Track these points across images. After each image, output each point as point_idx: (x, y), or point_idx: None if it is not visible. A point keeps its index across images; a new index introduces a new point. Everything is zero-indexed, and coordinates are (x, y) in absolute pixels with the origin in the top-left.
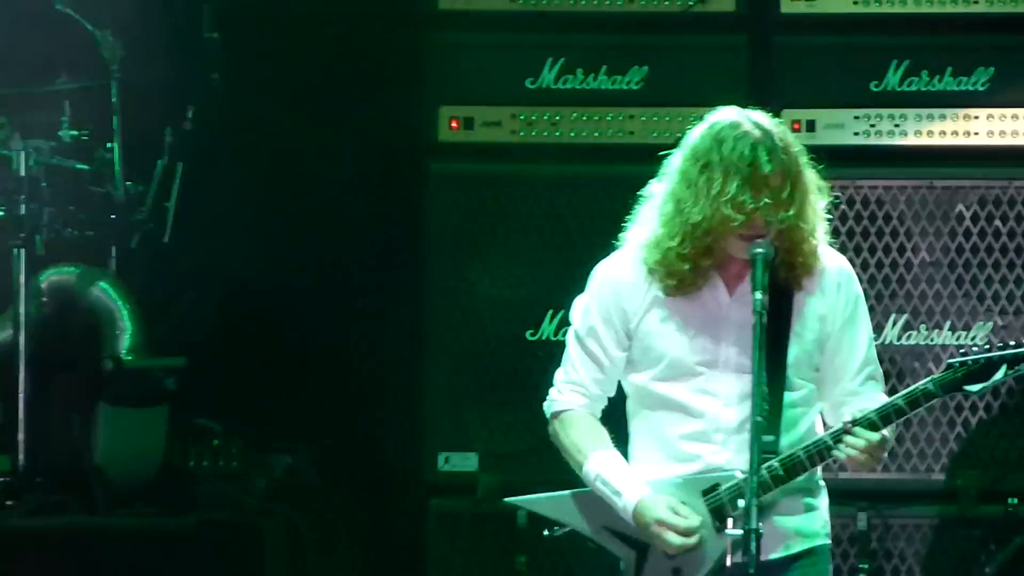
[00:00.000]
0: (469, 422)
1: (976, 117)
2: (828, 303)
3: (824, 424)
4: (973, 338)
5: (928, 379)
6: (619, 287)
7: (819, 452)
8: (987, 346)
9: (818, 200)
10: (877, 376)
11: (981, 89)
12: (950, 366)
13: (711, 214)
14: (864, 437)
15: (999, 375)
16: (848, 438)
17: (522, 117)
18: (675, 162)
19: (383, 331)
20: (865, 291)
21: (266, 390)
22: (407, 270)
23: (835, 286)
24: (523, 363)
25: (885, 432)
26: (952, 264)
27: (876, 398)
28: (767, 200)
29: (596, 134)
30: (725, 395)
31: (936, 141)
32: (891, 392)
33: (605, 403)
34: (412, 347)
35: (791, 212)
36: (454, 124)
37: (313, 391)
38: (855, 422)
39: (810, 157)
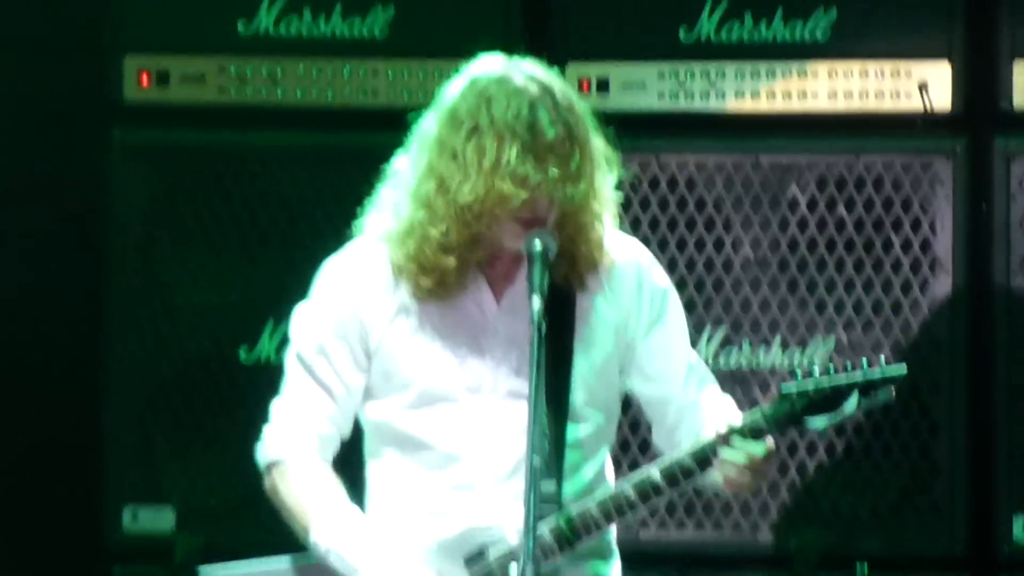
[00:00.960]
0: (163, 468)
1: (814, 74)
2: (624, 306)
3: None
4: (811, 358)
5: (756, 409)
6: (356, 291)
7: (619, 503)
8: (830, 369)
9: (607, 176)
10: (710, 378)
11: (820, 39)
12: (785, 395)
13: (484, 191)
14: (742, 448)
15: (850, 406)
16: (723, 451)
17: (232, 71)
18: (430, 128)
19: (50, 348)
20: None
21: None
22: (82, 269)
23: (632, 282)
24: (234, 391)
25: (769, 444)
26: (783, 263)
27: (726, 401)
28: (554, 171)
29: (328, 94)
30: (492, 431)
31: (763, 106)
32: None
33: (338, 445)
34: (88, 369)
35: (580, 187)
36: (144, 79)
37: None
38: (733, 430)
39: (599, 122)
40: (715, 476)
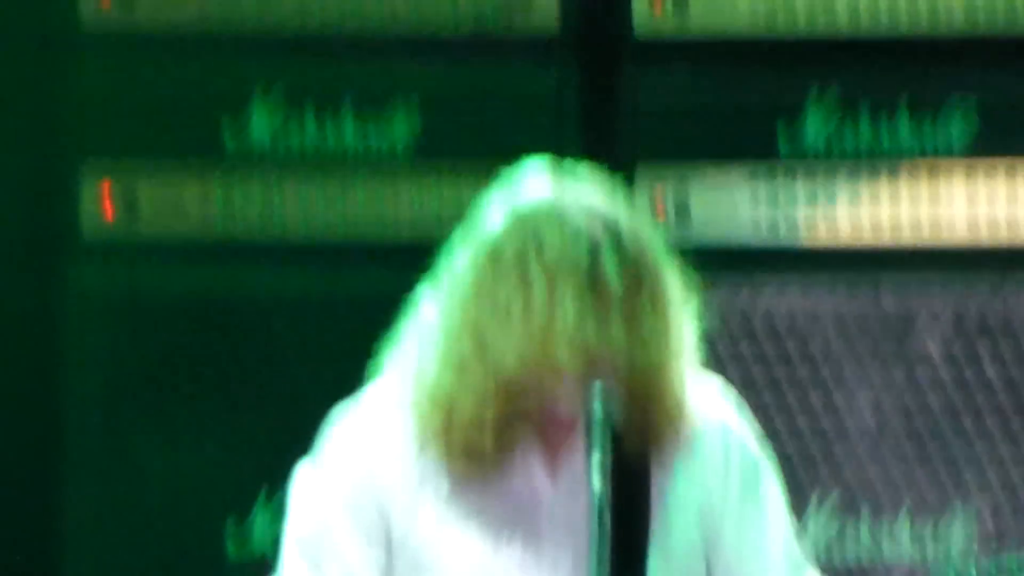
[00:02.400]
0: None
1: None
2: (708, 483)
3: None
4: (944, 544)
5: None
6: (376, 464)
7: None
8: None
9: (686, 321)
10: (803, 565)
11: (956, 146)
12: None
13: (534, 359)
14: None
15: None
16: None
17: (218, 196)
18: (465, 268)
19: None
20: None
21: None
22: (36, 436)
23: (718, 451)
24: None
25: None
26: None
27: None
28: (620, 333)
29: (338, 224)
30: None
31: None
32: None
33: None
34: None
35: (652, 351)
36: (107, 206)
37: None
38: None
39: (675, 251)
40: None
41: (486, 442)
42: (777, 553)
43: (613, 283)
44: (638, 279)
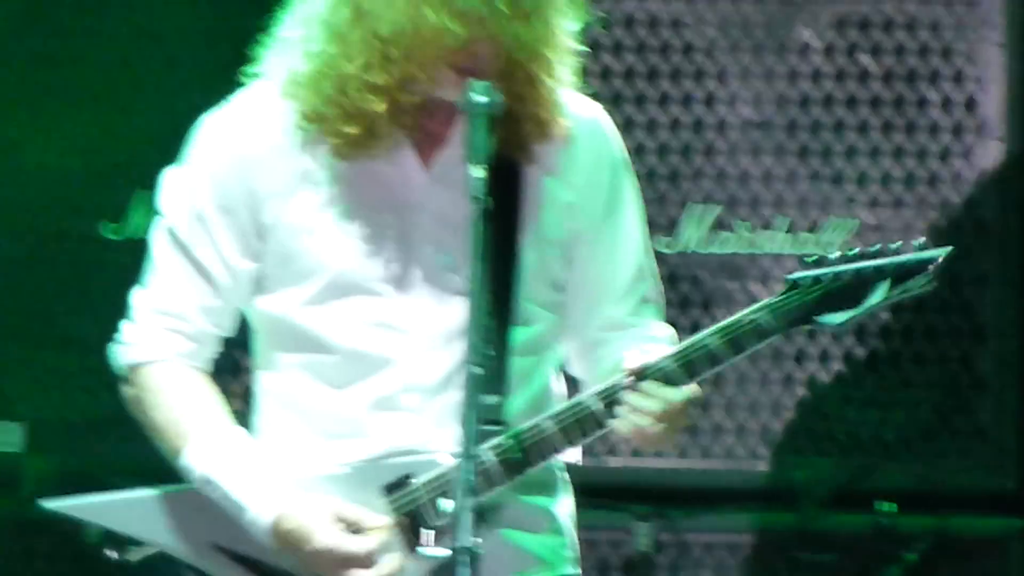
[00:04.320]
0: (9, 374)
1: None
2: (579, 182)
3: (569, 379)
4: (826, 244)
5: (759, 305)
6: (246, 150)
7: (580, 420)
8: (852, 253)
9: (567, 17)
10: (654, 298)
11: None
12: (795, 284)
13: (411, 23)
14: (659, 395)
15: (877, 296)
16: (633, 397)
17: None
18: None
19: None
20: (651, 168)
21: None
22: None
23: (589, 154)
24: (97, 277)
25: (690, 388)
26: (792, 125)
27: (661, 333)
28: (501, 5)
29: None
30: (421, 331)
31: None
32: (683, 328)
33: (218, 347)
34: None
35: (534, 28)
36: None
37: None
38: (643, 372)
39: None
40: (621, 425)
41: (378, 104)
42: (630, 267)
43: None
44: None
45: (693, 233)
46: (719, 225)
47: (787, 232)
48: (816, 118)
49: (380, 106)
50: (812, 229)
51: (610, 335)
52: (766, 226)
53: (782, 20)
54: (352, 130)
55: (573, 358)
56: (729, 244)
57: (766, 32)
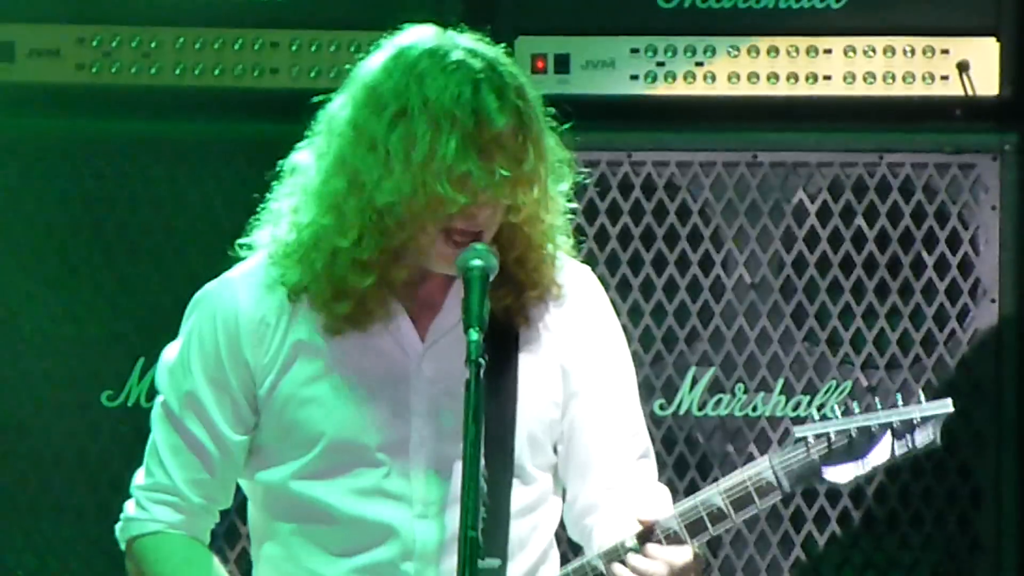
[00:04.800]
0: (7, 542)
1: (828, 51)
2: (571, 342)
3: (569, 542)
4: (821, 407)
5: (765, 459)
6: (237, 324)
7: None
8: (856, 410)
9: (561, 182)
10: (649, 453)
11: (834, 6)
12: (800, 440)
13: (412, 191)
14: (663, 557)
15: (881, 454)
16: (636, 559)
17: (95, 43)
18: (340, 113)
19: None
20: (646, 330)
21: None
22: None
23: (579, 313)
24: (96, 446)
25: (694, 547)
26: (787, 287)
27: (658, 492)
28: (502, 171)
29: (215, 72)
30: (421, 499)
31: (762, 90)
32: (679, 491)
33: (215, 520)
34: None
35: (533, 194)
36: None
37: None
38: (649, 532)
39: (552, 113)
40: None
41: (367, 280)
42: (625, 422)
43: (497, 120)
44: (520, 119)
45: (689, 395)
46: (715, 388)
47: (782, 394)
48: (811, 279)
49: (369, 281)
50: (808, 391)
51: (607, 495)
52: (762, 388)
53: (776, 184)
54: (342, 308)
55: (571, 520)
56: (724, 407)
57: (761, 195)
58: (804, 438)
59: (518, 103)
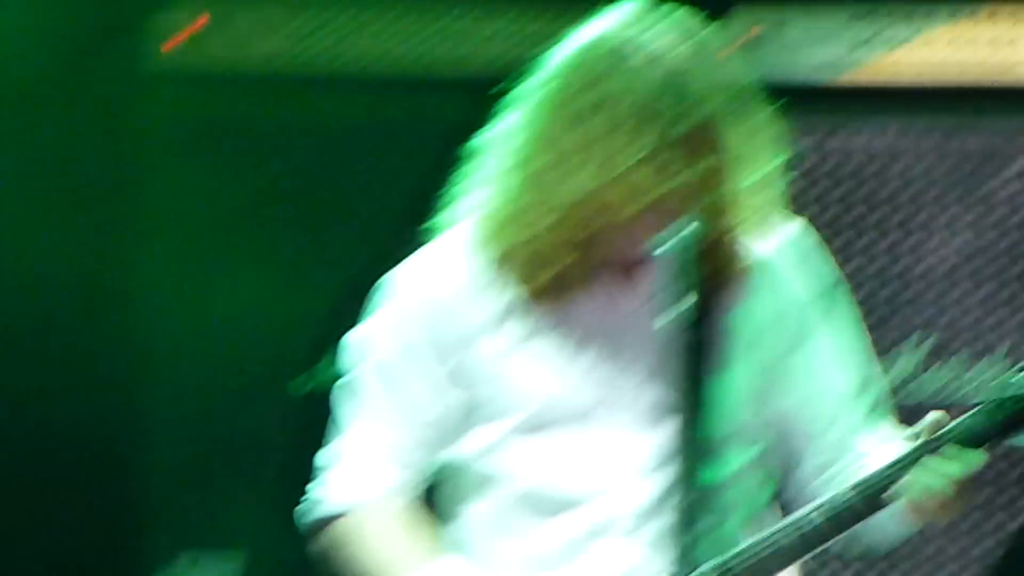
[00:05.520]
0: (230, 507)
1: None
2: (780, 305)
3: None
4: None
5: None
6: (442, 291)
7: (840, 514)
8: None
9: (765, 157)
10: (879, 407)
11: None
12: (998, 398)
13: (609, 182)
14: (962, 459)
15: None
16: (931, 463)
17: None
18: (543, 88)
19: (64, 369)
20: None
21: None
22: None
23: (790, 277)
24: (288, 426)
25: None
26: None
27: (894, 433)
28: (700, 162)
29: (411, 55)
30: (630, 458)
31: (972, 73)
32: None
33: (420, 490)
34: (118, 397)
35: (733, 178)
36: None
37: None
38: (939, 432)
39: (760, 89)
40: (912, 492)
41: (570, 258)
42: (851, 376)
43: (692, 112)
44: (718, 109)
45: (908, 362)
46: (934, 355)
47: (1002, 362)
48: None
49: (572, 259)
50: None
51: (840, 454)
52: (980, 356)
53: (977, 169)
54: (544, 278)
55: (796, 487)
56: (942, 376)
57: (980, 163)
58: (1004, 397)
59: (717, 93)
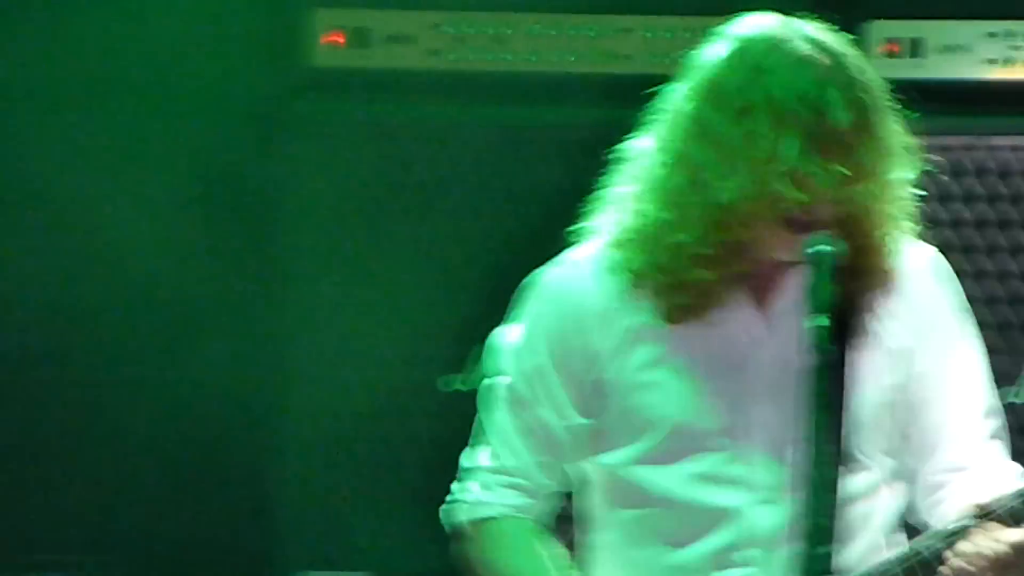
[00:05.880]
0: (359, 527)
1: None
2: (915, 323)
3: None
4: None
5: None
6: (580, 309)
7: (919, 564)
8: None
9: (904, 168)
10: (1000, 434)
11: None
12: None
13: (755, 190)
14: (1002, 538)
15: None
16: (975, 538)
17: (449, 29)
18: (684, 103)
19: (206, 378)
20: (1002, 318)
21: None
22: (249, 282)
23: (921, 296)
24: (434, 429)
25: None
26: None
27: (1008, 471)
28: (841, 168)
29: (554, 57)
30: (758, 484)
31: None
32: None
33: (556, 503)
34: (255, 406)
35: (870, 187)
36: (336, 38)
37: (91, 483)
38: (987, 510)
39: (899, 99)
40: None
41: (708, 275)
42: (973, 400)
43: (840, 118)
44: (863, 115)
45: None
46: None
47: None
48: None
49: (710, 276)
50: None
51: (951, 477)
52: None
53: None
54: (683, 299)
55: (916, 502)
56: None
57: None
58: None
59: (862, 98)
